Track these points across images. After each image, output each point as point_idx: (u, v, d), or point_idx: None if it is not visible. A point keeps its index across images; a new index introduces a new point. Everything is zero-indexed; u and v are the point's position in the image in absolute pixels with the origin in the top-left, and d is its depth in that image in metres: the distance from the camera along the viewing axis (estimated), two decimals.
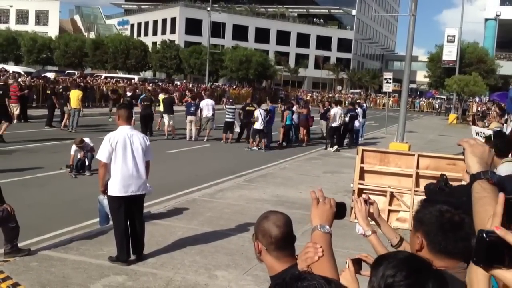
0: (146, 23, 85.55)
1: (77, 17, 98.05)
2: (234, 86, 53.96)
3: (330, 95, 59.06)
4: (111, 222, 7.16)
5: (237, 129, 20.23)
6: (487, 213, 1.49)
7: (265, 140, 18.96)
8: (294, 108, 20.63)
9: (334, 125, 19.03)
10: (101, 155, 6.38)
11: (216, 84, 55.43)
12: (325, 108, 21.68)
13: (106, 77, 43.11)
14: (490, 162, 1.68)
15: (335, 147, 18.91)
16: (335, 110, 19.34)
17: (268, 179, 12.67)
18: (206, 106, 20.02)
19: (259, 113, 18.62)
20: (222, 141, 19.51)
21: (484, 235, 1.18)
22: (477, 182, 1.58)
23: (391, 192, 8.97)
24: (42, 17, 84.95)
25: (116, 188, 6.40)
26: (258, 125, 18.54)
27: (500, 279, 1.18)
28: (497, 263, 1.18)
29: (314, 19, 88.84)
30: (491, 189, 1.56)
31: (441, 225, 1.86)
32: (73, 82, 28.59)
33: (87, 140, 12.27)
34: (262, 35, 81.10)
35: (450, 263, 1.89)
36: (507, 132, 7.88)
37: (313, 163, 15.75)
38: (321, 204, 2.08)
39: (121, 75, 53.24)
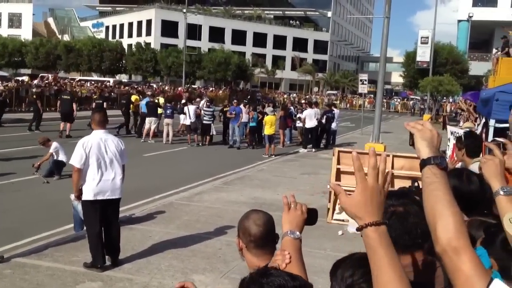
0: (121, 25, 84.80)
1: (50, 20, 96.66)
2: (211, 89, 53.82)
3: (307, 96, 59.35)
4: None
5: (213, 131, 20.19)
6: (437, 199, 1.50)
7: (197, 136, 19.62)
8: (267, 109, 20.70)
9: (307, 126, 19.26)
10: (75, 160, 6.30)
11: (194, 86, 55.21)
12: (303, 109, 21.88)
13: (80, 80, 42.61)
14: (439, 146, 1.65)
15: (304, 150, 19.10)
16: (308, 112, 19.53)
17: (245, 181, 12.67)
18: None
19: (187, 109, 19.47)
20: (194, 143, 19.45)
21: None
22: (427, 167, 1.56)
23: None
24: (15, 20, 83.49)
25: (91, 193, 6.33)
26: (186, 121, 19.42)
27: None
28: None
29: (290, 21, 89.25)
30: (441, 175, 1.54)
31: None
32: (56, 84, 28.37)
33: (54, 145, 12.19)
34: (238, 37, 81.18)
35: (414, 257, 1.88)
36: (478, 132, 8.02)
37: (290, 165, 15.80)
38: (292, 210, 2.08)
39: (95, 78, 52.66)
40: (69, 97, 20.39)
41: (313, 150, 19.17)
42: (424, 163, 1.58)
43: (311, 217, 2.13)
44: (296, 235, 2.03)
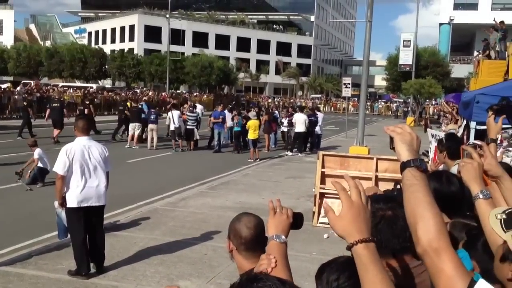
0: (104, 31, 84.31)
1: (32, 26, 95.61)
2: (196, 94, 53.71)
3: (291, 100, 59.57)
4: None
5: (197, 136, 20.16)
6: (417, 200, 1.53)
7: (182, 142, 19.55)
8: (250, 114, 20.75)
9: (297, 130, 19.36)
10: (58, 167, 6.25)
11: (178, 91, 55.06)
12: (289, 113, 21.98)
13: (62, 86, 42.27)
14: (419, 149, 1.68)
15: (290, 153, 19.22)
16: (298, 117, 19.62)
17: (230, 186, 12.67)
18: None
19: (171, 114, 19.38)
20: (179, 149, 19.40)
21: None
22: (407, 169, 1.59)
23: None
24: None
25: (74, 200, 6.28)
26: (172, 126, 19.32)
27: None
28: None
29: (274, 26, 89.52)
30: (421, 177, 1.57)
31: (375, 225, 1.81)
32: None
33: (37, 151, 12.10)
34: (222, 41, 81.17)
35: (402, 260, 1.90)
36: (460, 134, 8.12)
37: (276, 169, 15.83)
38: (278, 214, 2.10)
39: (79, 84, 52.29)
40: (58, 104, 20.77)
41: (299, 154, 19.24)
42: (404, 166, 1.61)
43: (296, 221, 2.14)
44: (282, 239, 2.05)
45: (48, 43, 78.05)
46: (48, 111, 21.06)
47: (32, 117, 21.19)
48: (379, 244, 1.72)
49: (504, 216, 1.69)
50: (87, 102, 24.52)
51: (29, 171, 11.96)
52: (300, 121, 19.36)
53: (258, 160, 17.63)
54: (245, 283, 1.41)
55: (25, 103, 22.34)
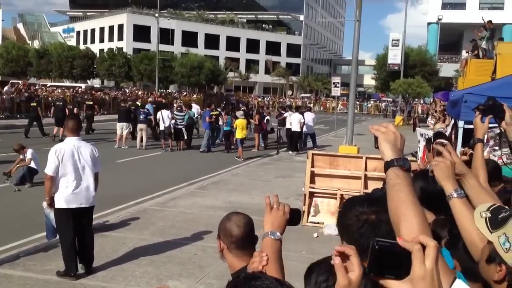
0: (93, 31, 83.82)
1: (20, 25, 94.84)
2: (185, 93, 53.55)
3: (281, 99, 59.61)
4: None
5: (186, 135, 20.12)
6: (400, 200, 1.53)
7: (171, 141, 19.57)
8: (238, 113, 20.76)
9: (294, 129, 19.44)
10: (47, 168, 6.22)
11: (168, 91, 54.86)
12: (278, 113, 22.02)
13: (51, 86, 41.96)
14: (403, 148, 1.67)
15: (291, 151, 19.32)
16: (295, 116, 19.71)
17: (220, 186, 12.66)
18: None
19: (160, 114, 19.41)
20: (168, 149, 19.35)
21: (375, 243, 1.15)
22: (390, 169, 1.59)
23: (341, 195, 9.14)
24: None
25: (63, 201, 6.25)
26: (161, 126, 19.37)
27: None
28: (390, 273, 1.16)
29: (263, 25, 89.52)
30: (404, 176, 1.57)
31: (358, 229, 1.79)
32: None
33: (30, 151, 12.02)
34: (211, 41, 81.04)
35: None
36: (448, 133, 8.18)
37: (266, 168, 15.84)
38: (274, 210, 2.08)
39: (67, 83, 51.94)
40: (61, 103, 21.54)
41: (289, 152, 19.30)
42: (387, 165, 1.61)
43: (294, 217, 2.13)
44: (277, 236, 2.03)
45: (36, 43, 77.48)
46: (52, 109, 21.45)
47: (41, 116, 21.57)
48: (361, 248, 1.71)
49: (488, 214, 1.68)
50: (91, 103, 24.57)
51: (17, 166, 11.89)
52: (295, 121, 19.45)
53: (241, 159, 17.63)
54: (243, 281, 1.41)
55: (34, 103, 22.58)
